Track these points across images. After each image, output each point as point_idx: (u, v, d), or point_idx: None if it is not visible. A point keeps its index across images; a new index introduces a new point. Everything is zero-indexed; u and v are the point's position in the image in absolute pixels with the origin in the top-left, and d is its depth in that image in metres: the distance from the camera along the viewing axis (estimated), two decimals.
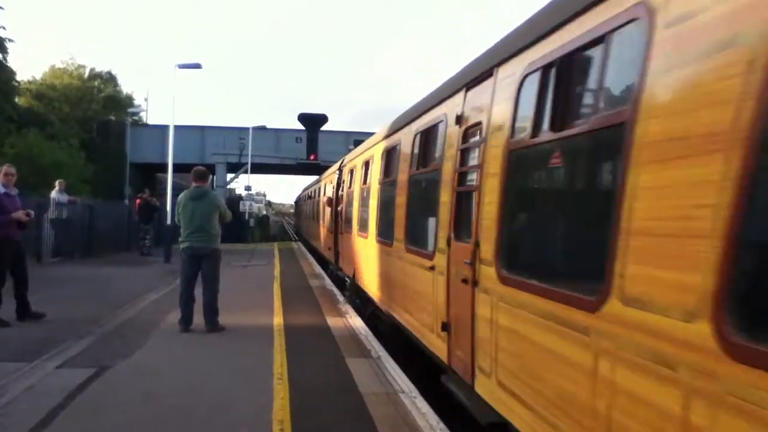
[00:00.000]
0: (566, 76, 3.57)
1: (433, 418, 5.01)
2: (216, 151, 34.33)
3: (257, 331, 8.33)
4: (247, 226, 32.37)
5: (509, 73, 4.29)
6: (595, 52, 3.27)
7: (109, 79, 44.15)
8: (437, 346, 5.73)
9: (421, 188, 6.86)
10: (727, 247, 2.14)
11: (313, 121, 32.04)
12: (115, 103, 42.94)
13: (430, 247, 6.00)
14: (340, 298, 11.79)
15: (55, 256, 17.09)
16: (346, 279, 12.87)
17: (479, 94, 4.95)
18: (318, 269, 17.32)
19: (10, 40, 28.97)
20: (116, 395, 5.43)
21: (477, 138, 4.95)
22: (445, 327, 5.40)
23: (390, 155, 8.47)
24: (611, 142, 3.00)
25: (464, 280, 4.84)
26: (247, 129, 33.45)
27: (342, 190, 14.23)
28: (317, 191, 22.71)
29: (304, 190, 32.19)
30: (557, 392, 3.30)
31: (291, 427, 4.72)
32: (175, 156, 21.88)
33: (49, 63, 45.16)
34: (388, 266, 8.16)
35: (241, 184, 39.92)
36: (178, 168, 23.84)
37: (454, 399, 5.01)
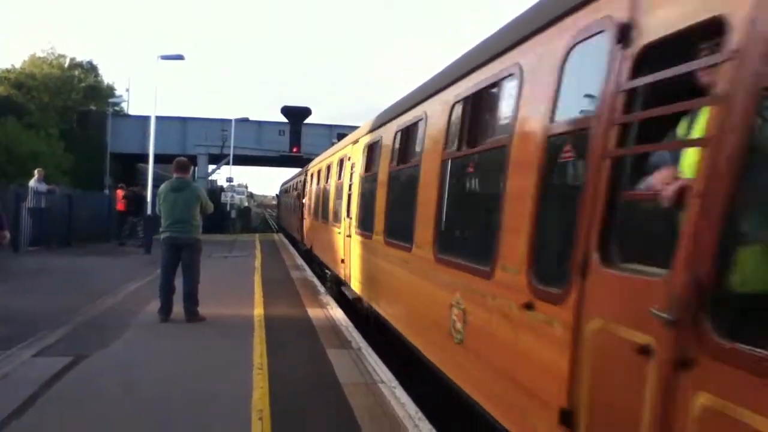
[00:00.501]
0: (476, 107, 4.82)
1: (412, 407, 5.03)
2: (198, 143, 34.10)
3: (237, 321, 8.30)
4: (228, 218, 32.22)
5: (445, 100, 5.43)
6: (491, 94, 4.56)
7: (90, 69, 43.74)
8: (339, 271, 10.90)
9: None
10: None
11: (296, 114, 31.98)
12: (96, 93, 42.55)
13: (340, 220, 11.03)
14: (321, 289, 11.78)
15: (33, 246, 16.88)
16: (306, 248, 17.68)
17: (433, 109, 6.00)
18: (299, 261, 17.29)
19: None
20: (93, 385, 5.39)
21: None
22: (343, 261, 10.48)
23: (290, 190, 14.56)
24: (499, 159, 4.06)
25: (348, 235, 9.93)
26: (229, 121, 33.27)
27: (305, 190, 19.18)
28: (293, 186, 26.56)
29: (284, 184, 34.03)
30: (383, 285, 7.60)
31: (270, 416, 4.71)
32: (157, 147, 21.71)
33: (29, 52, 44.51)
34: (323, 234, 13.79)
35: (222, 175, 39.63)
36: (160, 159, 23.64)
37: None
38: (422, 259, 5.62)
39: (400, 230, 6.59)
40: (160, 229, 8.46)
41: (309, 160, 29.41)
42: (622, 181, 2.80)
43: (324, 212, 13.75)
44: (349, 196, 10.20)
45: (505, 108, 4.16)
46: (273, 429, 4.47)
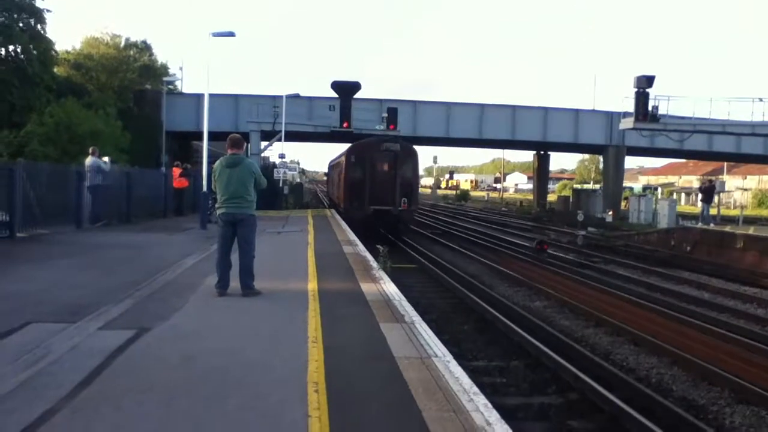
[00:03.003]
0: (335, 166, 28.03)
1: (466, 381, 5.03)
2: (250, 119, 34.44)
3: (292, 295, 8.42)
4: (281, 194, 32.58)
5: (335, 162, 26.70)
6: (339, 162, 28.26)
7: (144, 48, 44.60)
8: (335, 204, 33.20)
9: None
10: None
11: (346, 89, 31.92)
12: (151, 72, 43.40)
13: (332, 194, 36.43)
14: (374, 264, 11.84)
15: (94, 223, 17.43)
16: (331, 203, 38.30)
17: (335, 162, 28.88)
18: (352, 236, 17.41)
19: (48, 11, 29.38)
20: (155, 356, 5.55)
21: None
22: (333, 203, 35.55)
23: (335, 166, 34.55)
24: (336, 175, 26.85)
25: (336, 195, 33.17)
26: (280, 97, 33.42)
27: (331, 174, 38.91)
28: (330, 169, 41.39)
29: (329, 166, 43.55)
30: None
31: (326, 388, 4.78)
32: (210, 124, 22.00)
33: (84, 33, 45.58)
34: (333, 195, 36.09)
35: (275, 152, 39.90)
36: (213, 136, 23.98)
37: None
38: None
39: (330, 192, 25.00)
40: (216, 205, 8.61)
41: (360, 136, 29.87)
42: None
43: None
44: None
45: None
46: (329, 401, 4.53)
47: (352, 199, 24.75)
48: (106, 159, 18.54)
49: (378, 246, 13.76)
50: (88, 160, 17.65)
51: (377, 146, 24.85)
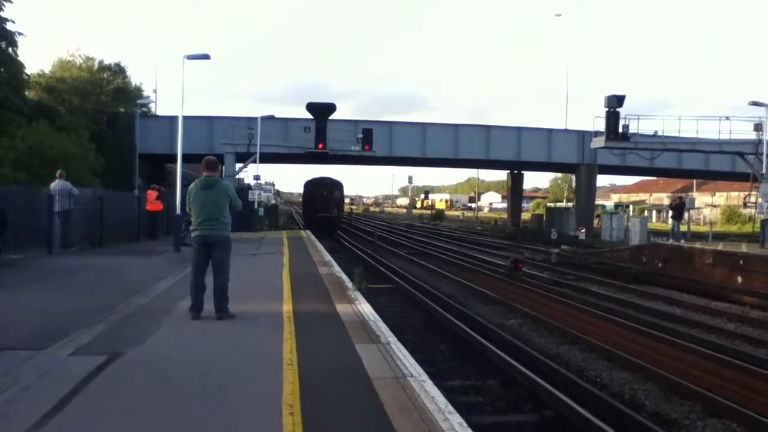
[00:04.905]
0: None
1: (441, 400, 5.06)
2: (225, 141, 34.35)
3: (267, 317, 8.40)
4: (256, 215, 32.45)
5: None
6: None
7: (118, 70, 44.20)
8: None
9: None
10: None
11: (321, 111, 32.05)
12: (124, 95, 43.02)
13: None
14: (349, 285, 11.85)
15: (65, 248, 17.18)
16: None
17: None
18: (327, 257, 17.40)
19: (20, 34, 29.12)
20: (129, 380, 5.51)
21: None
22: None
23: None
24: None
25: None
26: (255, 119, 33.44)
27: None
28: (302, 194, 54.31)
29: (303, 192, 52.14)
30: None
31: (300, 410, 4.78)
32: (185, 146, 21.97)
33: (57, 56, 45.10)
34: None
35: (249, 173, 39.94)
36: (188, 158, 23.93)
37: None
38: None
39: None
40: (191, 228, 8.58)
41: (334, 157, 29.94)
42: None
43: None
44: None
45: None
46: (304, 423, 4.53)
47: (308, 210, 45.29)
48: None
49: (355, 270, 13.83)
50: (55, 184, 17.36)
51: (320, 181, 44.30)
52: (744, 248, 22.71)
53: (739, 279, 19.40)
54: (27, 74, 32.36)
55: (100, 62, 43.56)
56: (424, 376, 5.77)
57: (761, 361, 10.31)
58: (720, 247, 23.36)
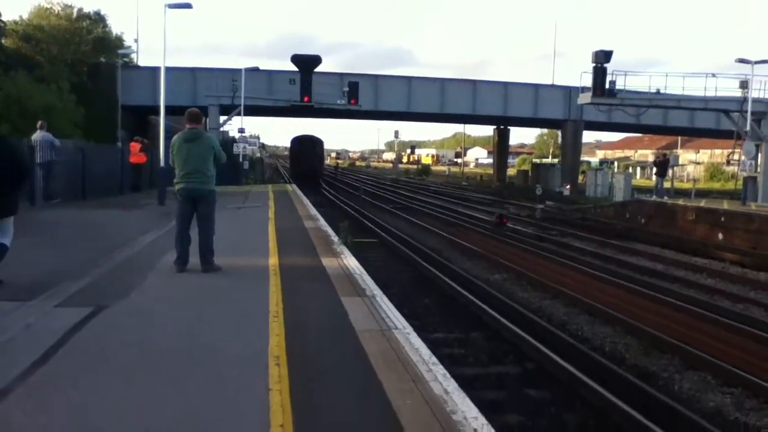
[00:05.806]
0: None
1: (426, 352, 5.12)
2: (209, 93, 33.84)
3: (253, 271, 8.42)
4: (241, 169, 32.23)
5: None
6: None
7: (98, 19, 43.12)
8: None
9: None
10: None
11: (306, 63, 31.60)
12: (105, 45, 42.10)
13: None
14: (335, 239, 11.87)
15: (48, 200, 17.01)
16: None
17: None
18: (313, 211, 17.38)
19: None
20: (113, 334, 5.51)
21: None
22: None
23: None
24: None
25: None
26: (239, 71, 32.88)
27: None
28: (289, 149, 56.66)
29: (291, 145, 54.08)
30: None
31: (287, 361, 4.82)
32: (168, 99, 21.59)
33: (33, 2, 43.76)
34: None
35: (234, 126, 39.32)
36: (171, 111, 23.55)
37: None
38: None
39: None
40: (175, 180, 8.49)
41: (320, 110, 29.64)
42: None
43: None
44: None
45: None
46: (290, 374, 4.57)
47: (294, 164, 49.76)
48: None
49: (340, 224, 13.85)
50: (36, 135, 17.09)
51: (305, 138, 48.82)
52: (725, 205, 22.97)
53: (720, 235, 19.68)
54: (2, 21, 31.46)
55: (79, 10, 42.42)
56: (409, 329, 5.83)
57: (739, 316, 10.54)
58: (702, 204, 23.61)
